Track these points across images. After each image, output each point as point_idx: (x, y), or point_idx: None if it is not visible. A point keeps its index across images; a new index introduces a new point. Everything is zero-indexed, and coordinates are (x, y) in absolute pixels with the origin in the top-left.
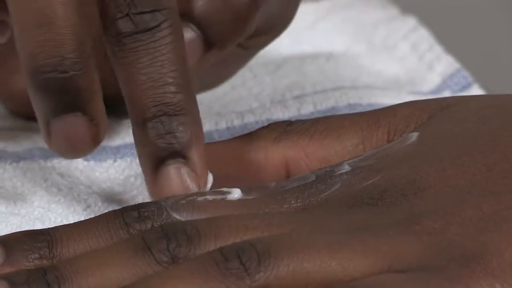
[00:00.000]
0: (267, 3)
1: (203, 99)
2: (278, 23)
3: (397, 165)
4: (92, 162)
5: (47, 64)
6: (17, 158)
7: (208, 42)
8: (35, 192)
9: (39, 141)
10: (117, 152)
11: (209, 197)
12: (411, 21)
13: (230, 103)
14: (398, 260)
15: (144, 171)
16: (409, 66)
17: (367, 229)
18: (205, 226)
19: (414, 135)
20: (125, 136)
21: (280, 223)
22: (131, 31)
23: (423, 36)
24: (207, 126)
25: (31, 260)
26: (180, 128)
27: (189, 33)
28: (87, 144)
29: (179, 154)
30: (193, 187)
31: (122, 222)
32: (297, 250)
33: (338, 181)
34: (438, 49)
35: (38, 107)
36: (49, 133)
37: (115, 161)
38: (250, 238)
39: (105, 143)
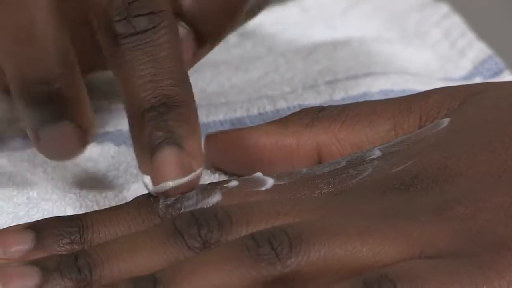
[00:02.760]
0: None
1: (236, 83)
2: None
3: (428, 151)
4: (123, 147)
5: (33, 79)
6: None
7: (201, 39)
8: (67, 177)
9: None
10: None
11: (242, 184)
12: (443, 8)
13: (263, 87)
14: (429, 246)
15: (139, 158)
16: (441, 52)
17: (398, 215)
18: (236, 211)
19: (446, 121)
20: None
21: (312, 209)
22: (129, 32)
23: (456, 23)
24: (239, 112)
25: (61, 245)
26: (178, 119)
27: (181, 32)
28: (74, 149)
29: (175, 144)
30: (187, 176)
31: (153, 207)
32: (328, 235)
33: (369, 167)
34: (470, 36)
35: (28, 118)
36: (38, 140)
37: None
38: (281, 223)
39: None
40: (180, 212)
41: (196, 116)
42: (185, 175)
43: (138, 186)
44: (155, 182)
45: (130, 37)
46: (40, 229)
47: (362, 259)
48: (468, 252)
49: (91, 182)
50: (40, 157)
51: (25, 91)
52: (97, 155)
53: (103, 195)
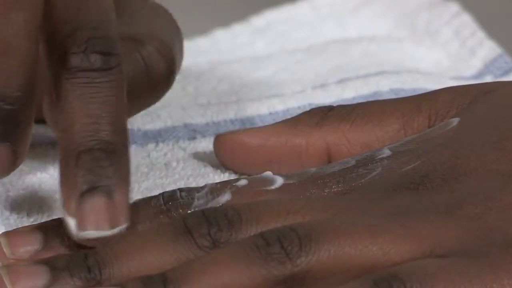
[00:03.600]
0: (179, 66)
1: (247, 82)
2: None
3: (438, 150)
4: (133, 146)
5: None
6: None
7: None
8: None
9: None
10: (159, 135)
11: (251, 183)
12: (454, 7)
13: (273, 86)
14: (439, 245)
15: (66, 199)
16: (452, 51)
17: (408, 214)
18: (246, 210)
19: (455, 120)
20: (167, 119)
21: (321, 207)
22: (85, 67)
23: (466, 22)
24: (249, 111)
25: (69, 245)
26: (113, 169)
27: None
28: (2, 171)
29: (107, 193)
30: (114, 229)
31: (162, 206)
32: (338, 234)
33: (379, 166)
34: (480, 35)
35: None
36: None
37: (157, 145)
38: (291, 222)
39: (146, 126)
40: (190, 210)
41: (129, 168)
42: (111, 228)
43: (148, 184)
44: (80, 227)
45: (85, 72)
46: (48, 230)
47: (372, 258)
48: (478, 251)
49: None
50: (52, 156)
51: None
52: None
53: None
